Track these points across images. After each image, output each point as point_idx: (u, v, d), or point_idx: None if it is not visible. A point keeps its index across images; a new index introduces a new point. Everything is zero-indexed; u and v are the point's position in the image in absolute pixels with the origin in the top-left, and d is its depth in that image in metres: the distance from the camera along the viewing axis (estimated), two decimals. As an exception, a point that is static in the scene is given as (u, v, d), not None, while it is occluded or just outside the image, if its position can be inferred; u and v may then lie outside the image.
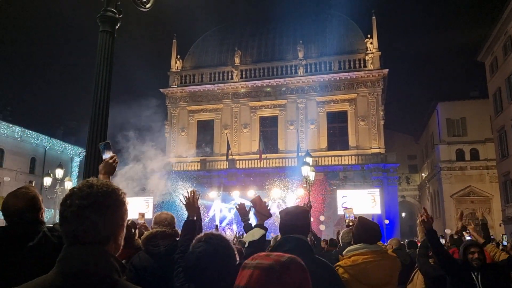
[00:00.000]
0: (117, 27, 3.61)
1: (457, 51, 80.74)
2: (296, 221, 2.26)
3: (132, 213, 3.63)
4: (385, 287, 2.68)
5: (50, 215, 30.27)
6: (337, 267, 2.63)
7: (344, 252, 2.83)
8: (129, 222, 3.00)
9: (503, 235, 16.60)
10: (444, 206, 32.08)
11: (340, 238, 5.29)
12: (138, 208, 26.23)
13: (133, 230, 2.95)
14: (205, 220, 24.88)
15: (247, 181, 26.00)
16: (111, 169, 2.46)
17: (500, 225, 27.51)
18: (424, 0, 78.77)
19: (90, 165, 3.13)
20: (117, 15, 3.63)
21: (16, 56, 66.71)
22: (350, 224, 3.63)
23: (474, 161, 32.44)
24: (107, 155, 2.53)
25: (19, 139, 31.86)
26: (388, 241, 8.01)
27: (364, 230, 2.84)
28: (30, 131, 32.87)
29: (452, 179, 32.36)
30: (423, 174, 39.92)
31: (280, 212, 2.37)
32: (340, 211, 22.56)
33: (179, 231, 3.07)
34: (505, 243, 11.18)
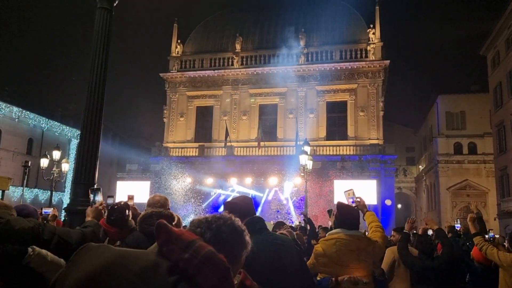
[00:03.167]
0: (115, 4, 3.53)
1: (459, 44, 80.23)
2: (252, 205, 2.51)
3: (126, 197, 3.59)
4: (353, 269, 2.77)
5: (47, 196, 30.32)
6: (318, 243, 3.01)
7: (326, 235, 3.11)
8: (123, 203, 2.98)
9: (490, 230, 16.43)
10: (440, 199, 32.26)
11: None
12: (134, 192, 26.32)
13: (127, 212, 2.94)
14: (202, 206, 24.99)
15: (245, 169, 26.01)
16: (99, 215, 2.66)
17: (495, 219, 27.72)
18: (429, -9, 77.89)
19: (85, 142, 3.08)
20: (115, -8, 3.54)
21: (15, 36, 65.97)
22: (355, 206, 3.58)
23: (472, 155, 32.53)
24: (97, 198, 2.75)
25: (16, 119, 31.71)
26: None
27: (342, 216, 2.98)
28: (28, 112, 32.69)
29: (449, 172, 32.48)
30: (420, 167, 40.04)
31: (234, 200, 2.57)
32: (338, 200, 22.65)
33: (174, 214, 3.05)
34: (492, 234, 11.07)
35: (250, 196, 2.64)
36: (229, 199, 2.61)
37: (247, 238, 1.21)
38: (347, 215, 2.99)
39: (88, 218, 2.62)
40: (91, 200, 2.87)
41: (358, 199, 3.53)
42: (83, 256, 1.07)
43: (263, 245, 2.11)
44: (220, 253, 1.07)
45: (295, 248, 2.42)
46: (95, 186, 3.00)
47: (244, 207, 2.40)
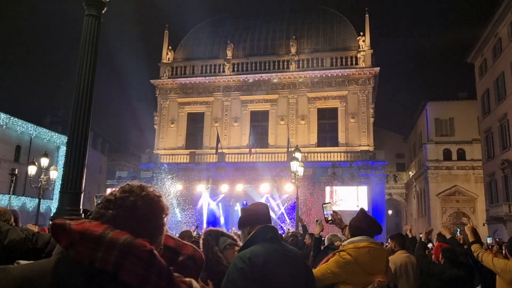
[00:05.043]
0: (103, 11, 3.50)
1: (447, 52, 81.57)
2: (266, 212, 2.38)
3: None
4: (377, 275, 2.72)
5: (34, 204, 29.83)
6: (340, 251, 2.79)
7: (345, 243, 2.90)
8: None
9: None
10: (430, 204, 32.50)
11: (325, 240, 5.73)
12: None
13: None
14: (193, 212, 24.80)
15: (236, 175, 25.93)
16: None
17: (484, 225, 27.96)
18: (417, 0, 79.20)
19: (72, 150, 3.03)
20: (104, -1, 3.52)
21: (2, 41, 65.33)
22: (329, 219, 3.56)
23: (461, 161, 32.89)
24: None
25: (4, 126, 31.21)
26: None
27: (368, 222, 2.90)
28: (16, 119, 32.22)
29: (439, 178, 32.77)
30: (410, 173, 40.34)
31: (250, 206, 2.45)
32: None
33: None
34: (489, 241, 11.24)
35: (266, 203, 2.51)
36: (257, 202, 2.55)
37: (164, 202, 1.09)
38: (371, 222, 2.91)
39: None
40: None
41: (334, 213, 3.51)
42: None
43: (272, 255, 2.11)
44: (139, 231, 0.97)
45: (303, 260, 2.37)
46: (99, 194, 2.93)
47: (258, 213, 2.32)
